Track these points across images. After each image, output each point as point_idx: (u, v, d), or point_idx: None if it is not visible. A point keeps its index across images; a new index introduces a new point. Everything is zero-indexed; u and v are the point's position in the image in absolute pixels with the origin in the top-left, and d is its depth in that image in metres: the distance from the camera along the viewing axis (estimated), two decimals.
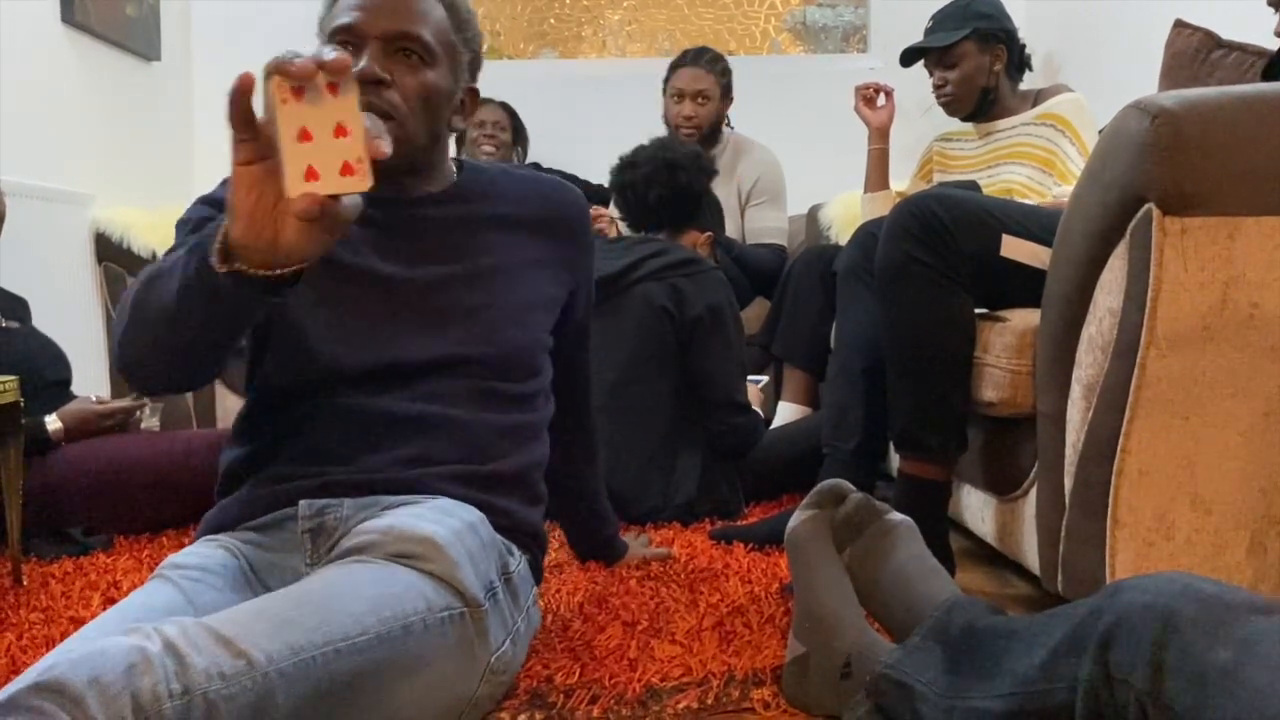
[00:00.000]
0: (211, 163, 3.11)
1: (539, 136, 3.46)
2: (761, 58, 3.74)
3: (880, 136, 2.72)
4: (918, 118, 2.95)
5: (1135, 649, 0.77)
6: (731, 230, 2.93)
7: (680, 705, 1.13)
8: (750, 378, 2.35)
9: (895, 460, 1.69)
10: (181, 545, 1.87)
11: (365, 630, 0.89)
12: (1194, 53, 2.02)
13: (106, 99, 3.05)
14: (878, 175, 2.71)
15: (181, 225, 1.18)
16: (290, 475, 1.14)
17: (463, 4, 1.23)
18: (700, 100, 2.96)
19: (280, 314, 1.16)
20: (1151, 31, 2.23)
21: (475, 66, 1.27)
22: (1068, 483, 1.30)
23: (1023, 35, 2.50)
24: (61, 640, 1.08)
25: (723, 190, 2.70)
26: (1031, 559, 1.48)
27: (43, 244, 2.67)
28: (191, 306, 0.93)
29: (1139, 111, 1.14)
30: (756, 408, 2.23)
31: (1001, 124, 2.41)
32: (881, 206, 2.57)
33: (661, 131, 2.89)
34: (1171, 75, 2.07)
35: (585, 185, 3.14)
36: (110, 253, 2.92)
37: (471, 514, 1.11)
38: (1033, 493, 1.47)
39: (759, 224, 3.05)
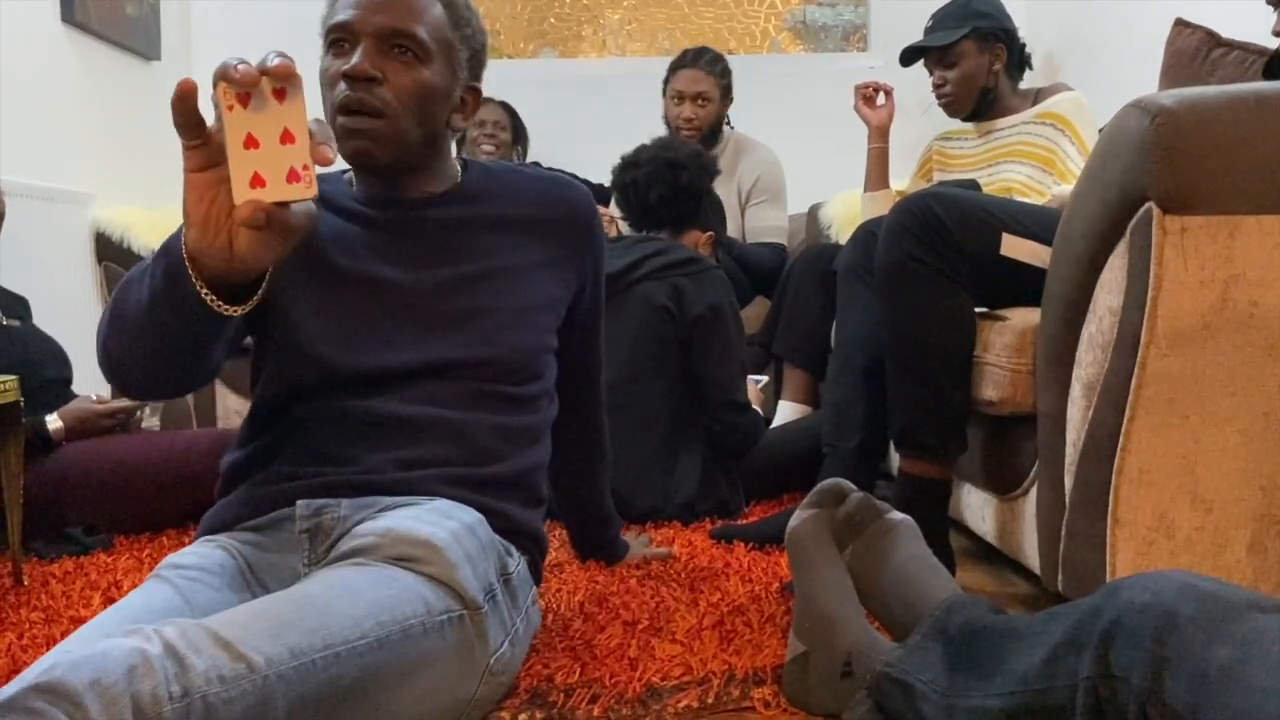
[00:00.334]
0: None
1: (539, 136, 3.46)
2: (761, 57, 3.74)
3: (880, 135, 2.72)
4: (917, 117, 2.95)
5: (1135, 647, 0.77)
6: (732, 230, 2.93)
7: (681, 704, 1.13)
8: (750, 377, 2.35)
9: (895, 459, 1.69)
10: (182, 545, 1.87)
11: (365, 634, 0.89)
12: (1194, 51, 2.02)
13: (106, 98, 3.05)
14: (877, 174, 2.71)
15: None
16: (288, 476, 1.14)
17: (461, 1, 1.22)
18: (700, 102, 2.96)
19: (281, 317, 1.16)
20: (1151, 30, 2.23)
21: (476, 65, 1.25)
22: (1068, 481, 1.30)
23: (1022, 34, 2.49)
24: (62, 640, 1.08)
25: (723, 189, 2.69)
26: (1032, 558, 1.48)
27: (43, 244, 2.67)
28: (160, 312, 0.93)
29: (1139, 110, 1.14)
30: (757, 407, 2.23)
31: (1001, 123, 2.41)
32: (881, 205, 2.57)
33: (661, 131, 2.89)
34: (1171, 74, 2.07)
35: (585, 184, 3.14)
36: (110, 252, 2.93)
37: (470, 515, 1.11)
38: (1033, 492, 1.47)
39: (759, 223, 3.05)
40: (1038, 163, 2.27)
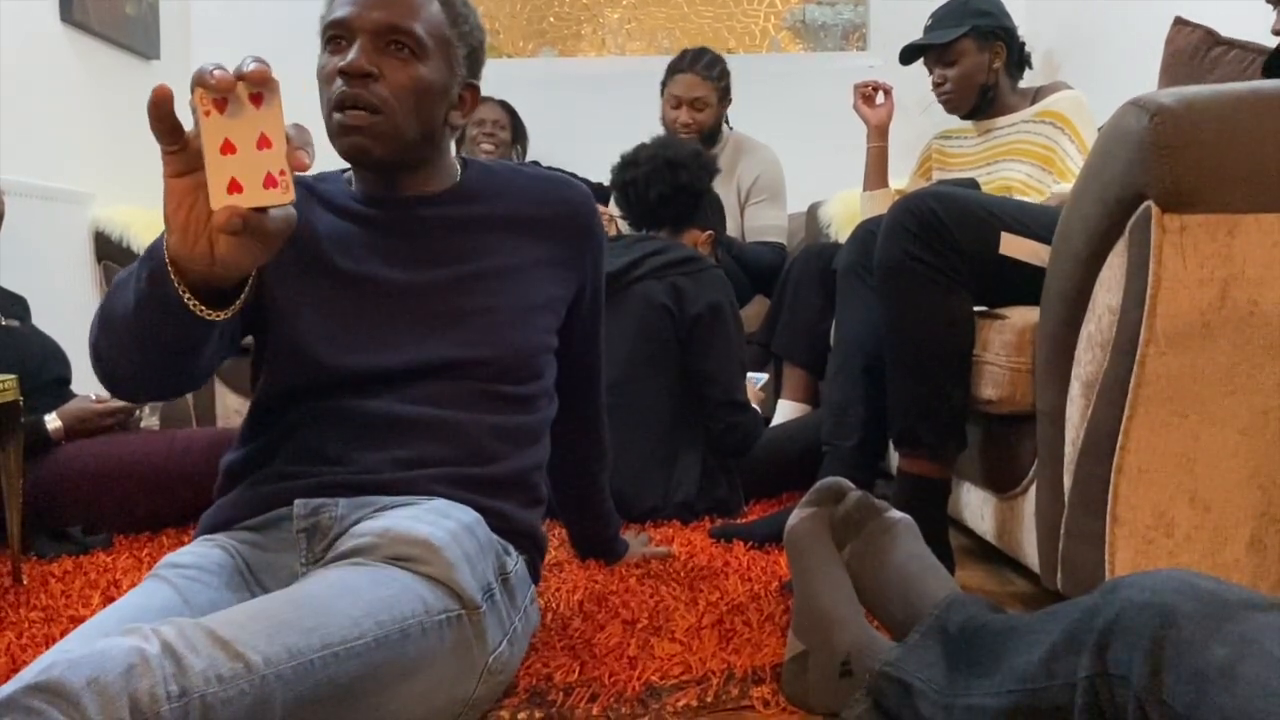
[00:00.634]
0: None
1: (538, 135, 3.46)
2: (761, 56, 3.74)
3: (879, 134, 2.72)
4: (917, 115, 2.95)
5: (1134, 646, 0.77)
6: (731, 229, 2.92)
7: (680, 703, 1.13)
8: (750, 376, 2.34)
9: (895, 458, 1.69)
10: (181, 544, 1.87)
11: (363, 634, 0.89)
12: (1193, 50, 2.02)
13: (106, 98, 3.04)
14: (877, 173, 2.71)
15: None
16: (286, 475, 1.14)
17: None
18: (698, 107, 2.96)
19: (279, 317, 1.16)
20: (1151, 29, 2.23)
21: (474, 62, 1.25)
22: (1067, 480, 1.30)
23: (1022, 33, 2.49)
24: (61, 639, 1.08)
25: (722, 189, 2.69)
26: (1031, 556, 1.48)
27: (43, 243, 2.67)
28: (145, 316, 0.94)
29: (1138, 109, 1.14)
30: (756, 406, 2.23)
31: (1001, 121, 2.41)
32: (881, 204, 2.57)
33: (661, 130, 2.89)
34: (1171, 72, 2.07)
35: (585, 184, 3.14)
36: (110, 252, 2.93)
37: (468, 515, 1.11)
38: (1032, 490, 1.47)
39: (759, 222, 3.05)
40: (1037, 161, 2.27)
